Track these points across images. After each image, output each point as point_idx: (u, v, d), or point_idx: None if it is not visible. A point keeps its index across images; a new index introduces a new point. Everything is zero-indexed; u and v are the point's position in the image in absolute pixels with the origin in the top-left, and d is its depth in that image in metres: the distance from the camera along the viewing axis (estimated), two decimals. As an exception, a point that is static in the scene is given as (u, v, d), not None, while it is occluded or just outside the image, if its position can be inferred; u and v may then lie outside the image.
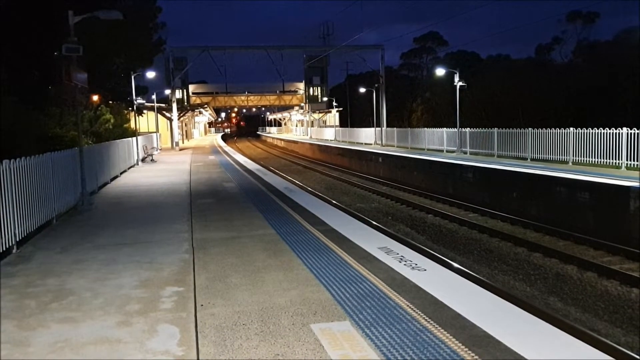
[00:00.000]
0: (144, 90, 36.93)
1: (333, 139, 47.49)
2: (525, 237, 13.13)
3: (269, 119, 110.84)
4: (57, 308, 5.09)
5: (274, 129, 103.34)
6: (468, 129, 25.32)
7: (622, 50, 40.29)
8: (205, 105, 57.49)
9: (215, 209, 10.74)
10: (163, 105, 43.54)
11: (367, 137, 38.70)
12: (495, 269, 11.05)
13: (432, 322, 4.42)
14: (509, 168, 17.67)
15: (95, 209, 11.28)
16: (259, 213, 9.96)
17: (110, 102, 26.91)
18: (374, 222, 14.84)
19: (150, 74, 31.57)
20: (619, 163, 16.53)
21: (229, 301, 5.10)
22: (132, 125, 27.19)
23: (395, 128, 37.07)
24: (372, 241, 7.34)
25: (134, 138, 23.42)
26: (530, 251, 12.07)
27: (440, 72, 33.48)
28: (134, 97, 26.84)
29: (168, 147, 39.47)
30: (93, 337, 4.36)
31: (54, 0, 16.67)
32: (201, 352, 4.00)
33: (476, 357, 3.77)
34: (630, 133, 16.15)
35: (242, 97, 62.27)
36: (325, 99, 59.89)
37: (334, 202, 18.36)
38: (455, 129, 25.85)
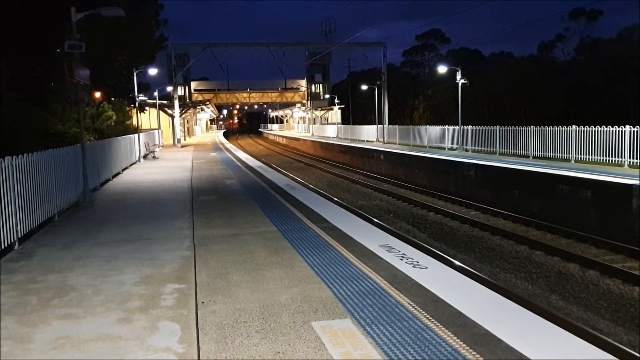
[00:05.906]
0: (146, 87, 36.98)
1: (335, 136, 47.40)
2: (527, 235, 13.11)
3: (271, 116, 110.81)
4: (59, 304, 5.10)
5: (275, 126, 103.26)
6: (470, 126, 25.29)
7: (625, 48, 40.19)
8: (207, 102, 57.52)
9: (216, 205, 10.73)
10: (165, 102, 43.56)
11: (369, 135, 38.65)
12: (496, 267, 11.04)
13: (433, 320, 4.41)
14: (511, 166, 17.63)
15: (97, 206, 11.29)
16: (261, 210, 9.95)
17: (113, 99, 26.92)
18: (376, 220, 14.83)
19: (152, 71, 31.57)
20: (621, 161, 16.48)
21: (230, 298, 5.10)
22: (134, 122, 27.20)
23: (397, 125, 37.03)
24: (374, 239, 7.33)
25: (136, 135, 23.45)
26: (532, 249, 12.05)
27: (442, 69, 33.40)
28: (136, 94, 26.83)
29: (170, 144, 39.47)
30: (94, 333, 4.36)
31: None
32: (202, 350, 3.99)
33: (477, 355, 3.76)
34: (633, 131, 16.10)
35: (244, 94, 62.43)
36: (327, 96, 60.06)
37: (336, 199, 18.35)
38: (457, 127, 25.80)
